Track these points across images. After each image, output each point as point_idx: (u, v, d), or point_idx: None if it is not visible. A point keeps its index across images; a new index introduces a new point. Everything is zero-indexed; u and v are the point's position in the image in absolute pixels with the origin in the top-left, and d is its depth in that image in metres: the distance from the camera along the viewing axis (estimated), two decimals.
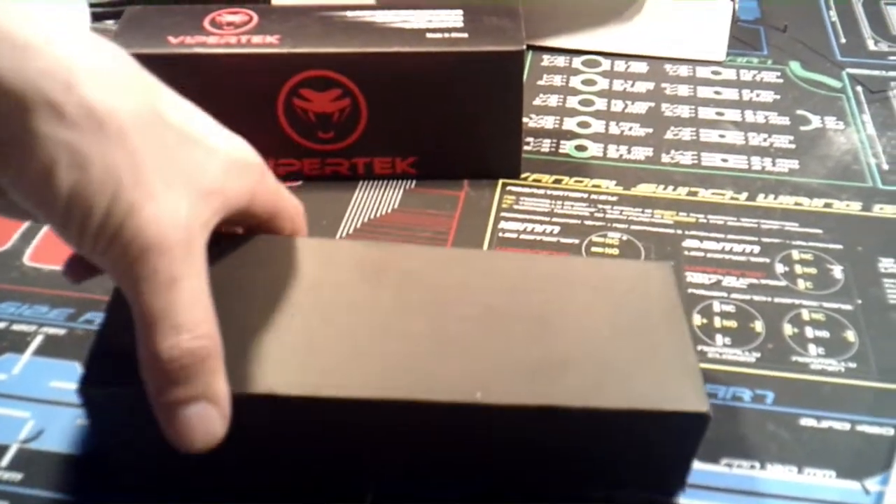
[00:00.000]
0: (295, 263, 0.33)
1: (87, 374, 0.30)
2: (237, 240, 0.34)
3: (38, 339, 0.39)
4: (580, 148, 0.53)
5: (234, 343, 0.29)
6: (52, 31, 0.25)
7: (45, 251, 0.44)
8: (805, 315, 0.42)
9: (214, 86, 0.47)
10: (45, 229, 0.46)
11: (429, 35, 0.47)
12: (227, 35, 0.46)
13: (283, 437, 0.31)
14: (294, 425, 0.31)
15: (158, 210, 0.26)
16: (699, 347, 0.40)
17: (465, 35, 0.47)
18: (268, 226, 0.34)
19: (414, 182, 0.50)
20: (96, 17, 0.62)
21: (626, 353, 0.31)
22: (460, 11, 0.48)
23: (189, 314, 0.27)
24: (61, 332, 0.40)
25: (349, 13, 0.48)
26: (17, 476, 0.34)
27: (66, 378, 0.38)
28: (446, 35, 0.47)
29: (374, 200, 0.48)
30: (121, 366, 0.29)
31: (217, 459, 0.29)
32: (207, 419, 0.27)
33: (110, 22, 0.63)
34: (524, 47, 0.46)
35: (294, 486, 0.33)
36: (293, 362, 0.30)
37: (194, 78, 0.46)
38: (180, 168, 0.28)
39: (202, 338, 0.27)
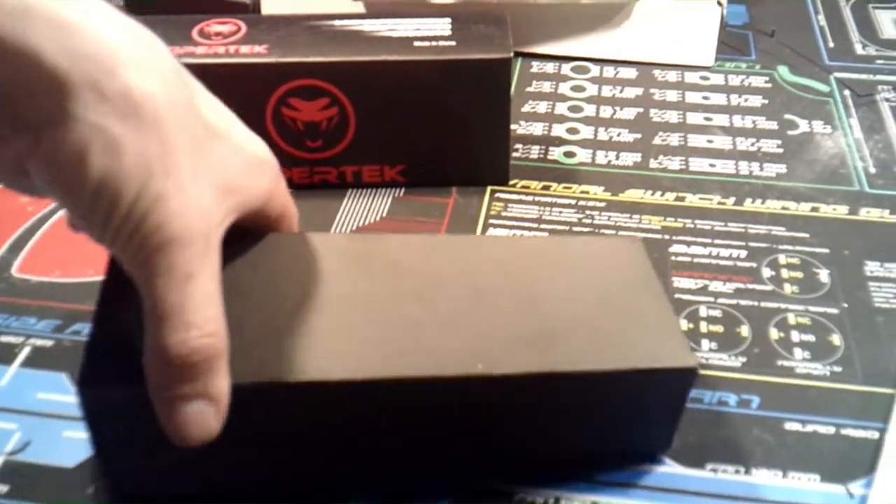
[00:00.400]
0: (282, 257, 0.33)
1: (84, 374, 0.30)
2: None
3: (25, 351, 0.40)
4: (569, 154, 0.53)
5: (233, 334, 0.29)
6: (88, 11, 0.25)
7: (34, 263, 0.45)
8: (791, 319, 0.42)
9: None
10: (33, 241, 0.46)
11: (416, 43, 0.47)
12: (215, 45, 0.46)
13: (288, 427, 0.31)
14: (299, 414, 0.31)
15: (185, 203, 0.26)
16: None
17: (453, 43, 0.47)
18: (273, 227, 0.34)
19: (403, 190, 0.50)
20: None
21: (612, 320, 0.33)
22: (448, 19, 0.49)
23: (201, 312, 0.26)
24: (49, 343, 0.40)
25: (337, 22, 0.48)
26: (4, 488, 0.34)
27: (53, 390, 0.38)
28: (434, 43, 0.47)
29: (362, 208, 0.48)
30: (120, 365, 0.29)
31: (219, 457, 0.29)
32: (205, 416, 0.27)
33: None
34: (511, 55, 0.46)
35: (296, 480, 0.33)
36: (294, 351, 0.30)
37: None
38: (208, 162, 0.27)
39: (211, 336, 0.27)
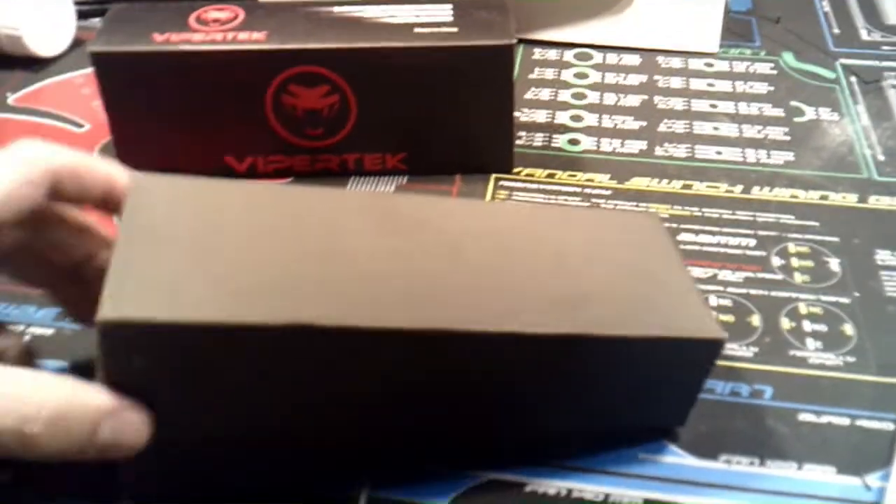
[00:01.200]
0: (305, 210, 0.32)
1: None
2: (237, 186, 0.33)
3: (25, 340, 0.39)
4: (573, 142, 0.52)
5: (259, 278, 0.28)
6: None
7: None
8: (802, 308, 0.41)
9: (201, 83, 0.46)
10: None
11: (417, 30, 0.46)
12: (213, 32, 0.45)
13: (314, 381, 0.30)
14: (326, 363, 0.29)
15: None
16: None
17: (455, 29, 0.46)
18: (108, 201, 0.32)
19: (406, 178, 0.49)
20: (82, 15, 0.61)
21: (639, 289, 0.33)
22: (449, 6, 0.48)
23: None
24: (49, 332, 0.39)
25: (336, 8, 0.48)
26: (5, 476, 0.33)
27: None
28: (435, 30, 0.46)
29: None
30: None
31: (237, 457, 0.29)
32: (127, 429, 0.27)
33: (96, 20, 0.62)
34: (514, 41, 0.45)
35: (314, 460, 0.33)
36: (320, 295, 0.29)
37: (181, 76, 0.46)
38: None
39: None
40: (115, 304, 0.26)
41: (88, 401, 0.27)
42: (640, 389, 0.33)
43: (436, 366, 0.30)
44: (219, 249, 0.29)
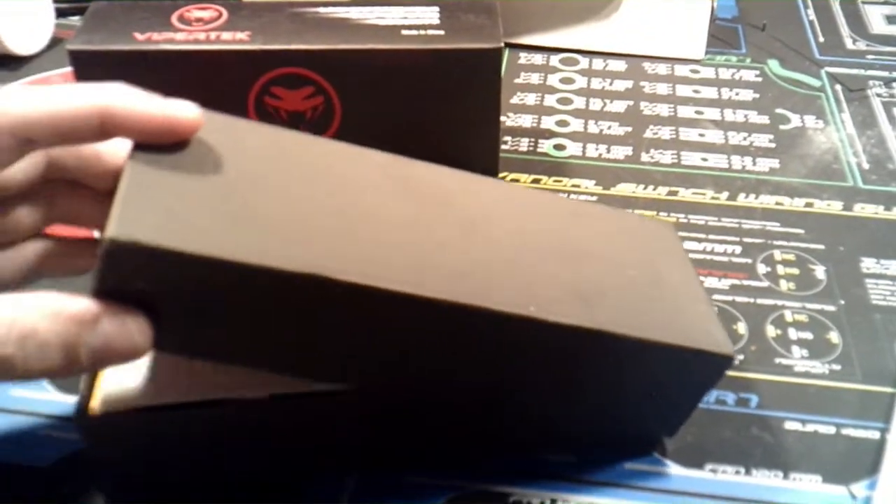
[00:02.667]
0: (327, 161, 0.31)
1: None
2: (261, 127, 0.32)
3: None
4: (559, 147, 0.52)
5: (276, 221, 0.27)
6: None
7: None
8: (788, 316, 0.41)
9: (183, 83, 0.45)
10: None
11: (404, 32, 0.45)
12: (195, 31, 0.45)
13: (316, 329, 0.28)
14: (335, 319, 0.28)
15: None
16: None
17: (442, 32, 0.46)
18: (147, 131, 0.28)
19: None
20: (60, 13, 0.60)
21: (653, 294, 0.32)
22: (436, 8, 0.47)
23: None
24: None
25: (322, 9, 0.47)
26: None
27: (28, 386, 0.36)
28: (422, 32, 0.45)
29: None
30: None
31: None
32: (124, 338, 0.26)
33: (75, 18, 0.61)
34: (502, 45, 0.45)
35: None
36: (337, 249, 0.27)
37: (162, 75, 0.45)
38: None
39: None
40: (125, 224, 0.24)
41: (64, 309, 0.25)
42: (641, 395, 0.33)
43: (444, 340, 0.29)
44: (236, 185, 0.28)
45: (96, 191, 0.31)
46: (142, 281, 0.25)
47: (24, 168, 0.29)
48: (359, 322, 0.28)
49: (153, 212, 0.25)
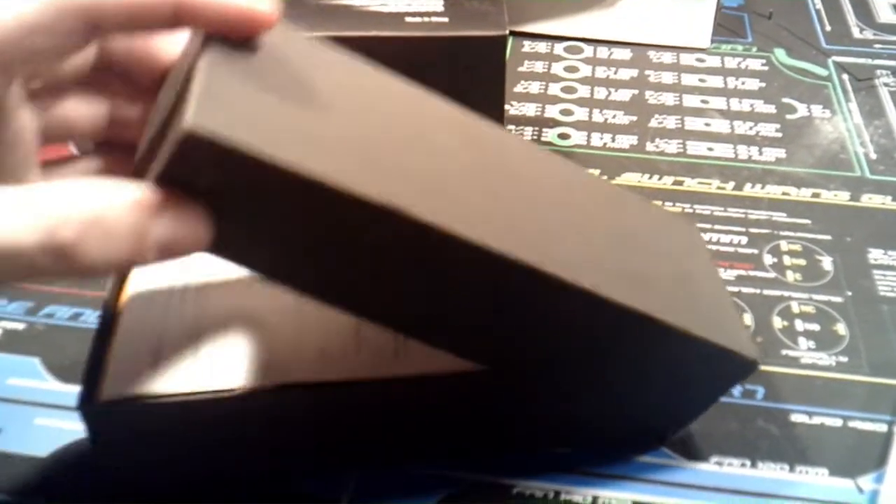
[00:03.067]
0: (398, 97, 0.30)
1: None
2: (335, 49, 0.30)
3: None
4: (563, 136, 0.52)
5: (353, 145, 0.26)
6: None
7: None
8: (795, 307, 0.40)
9: None
10: None
11: (408, 19, 0.45)
12: None
13: (377, 259, 0.27)
14: (398, 254, 0.27)
15: None
16: None
17: (446, 19, 0.45)
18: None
19: None
20: None
21: (685, 288, 0.32)
22: None
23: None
24: (20, 326, 0.38)
25: None
26: None
27: (25, 375, 0.36)
28: (426, 19, 0.45)
29: None
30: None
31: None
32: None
33: None
34: (507, 32, 0.44)
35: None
36: (413, 186, 0.26)
37: None
38: None
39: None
40: (205, 116, 0.22)
41: (130, 196, 0.23)
42: (663, 388, 0.32)
43: (497, 296, 0.28)
44: (313, 98, 0.26)
45: (139, 86, 0.29)
46: (208, 178, 0.23)
47: (84, 55, 0.27)
48: (427, 270, 0.27)
49: (232, 109, 0.23)
